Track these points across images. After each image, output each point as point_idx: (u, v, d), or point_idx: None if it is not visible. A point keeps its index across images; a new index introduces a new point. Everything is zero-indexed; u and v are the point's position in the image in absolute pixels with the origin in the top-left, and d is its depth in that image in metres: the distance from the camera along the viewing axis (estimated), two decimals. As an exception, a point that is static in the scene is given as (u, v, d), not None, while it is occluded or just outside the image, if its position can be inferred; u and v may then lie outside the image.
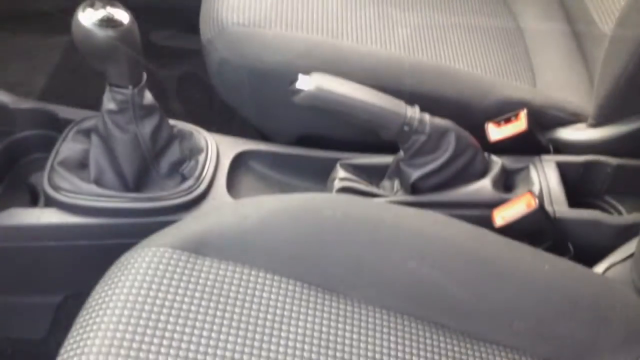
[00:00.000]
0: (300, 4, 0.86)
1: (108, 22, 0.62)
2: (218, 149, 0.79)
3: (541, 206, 0.70)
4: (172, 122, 0.78)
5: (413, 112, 0.71)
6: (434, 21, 0.94)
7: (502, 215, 0.71)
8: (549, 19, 1.01)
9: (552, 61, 0.94)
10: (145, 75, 0.69)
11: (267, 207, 0.62)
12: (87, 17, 0.61)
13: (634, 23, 0.71)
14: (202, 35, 0.86)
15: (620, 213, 0.79)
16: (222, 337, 0.50)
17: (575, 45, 0.95)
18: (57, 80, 1.23)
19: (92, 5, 0.62)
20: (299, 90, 0.69)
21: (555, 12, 1.01)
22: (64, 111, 0.82)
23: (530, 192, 0.72)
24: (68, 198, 0.70)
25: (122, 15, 0.63)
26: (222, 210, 0.66)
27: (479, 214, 0.73)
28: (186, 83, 1.30)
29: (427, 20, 0.93)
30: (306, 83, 0.69)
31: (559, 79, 0.91)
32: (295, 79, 0.70)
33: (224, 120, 1.04)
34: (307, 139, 0.86)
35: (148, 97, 0.70)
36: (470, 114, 0.81)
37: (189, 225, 0.60)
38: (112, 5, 0.63)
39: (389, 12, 0.91)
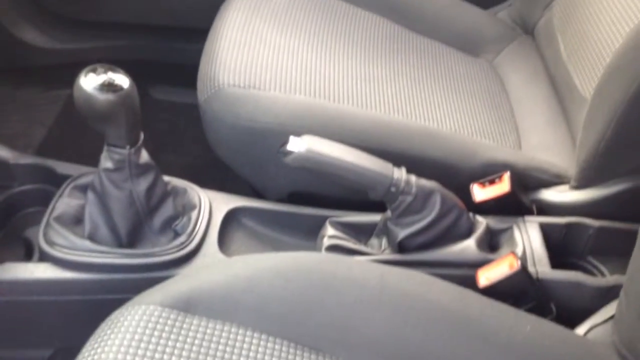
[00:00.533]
0: (292, 67, 0.89)
1: (109, 87, 0.65)
2: (211, 206, 0.81)
3: (523, 267, 0.72)
4: (166, 178, 0.81)
5: (400, 174, 0.74)
6: (422, 82, 0.97)
7: (486, 276, 0.72)
8: (533, 83, 1.05)
9: (536, 123, 0.97)
10: (142, 135, 0.72)
11: (256, 266, 0.63)
12: (89, 82, 0.64)
13: (610, 92, 0.74)
14: (199, 94, 0.89)
15: (602, 274, 0.81)
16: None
17: (559, 109, 0.98)
18: (56, 133, 1.26)
19: (94, 71, 0.65)
20: (290, 152, 0.72)
21: (539, 76, 1.05)
22: (61, 167, 0.84)
23: (513, 253, 0.74)
24: (62, 254, 0.72)
25: (123, 80, 0.66)
26: (212, 268, 0.67)
27: (463, 273, 0.74)
28: (182, 137, 1.33)
29: (414, 81, 0.97)
30: (297, 145, 0.72)
31: (543, 141, 0.94)
32: (286, 141, 0.73)
33: (218, 175, 1.06)
34: (298, 196, 0.88)
35: (144, 156, 0.73)
36: (455, 175, 0.83)
37: (179, 283, 0.62)
38: (114, 70, 0.66)
39: (377, 73, 0.95)
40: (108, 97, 0.65)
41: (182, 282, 0.62)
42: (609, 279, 0.79)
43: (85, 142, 0.92)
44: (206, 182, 0.86)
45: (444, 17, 1.13)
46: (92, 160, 0.77)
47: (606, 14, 0.88)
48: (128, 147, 0.70)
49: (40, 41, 1.30)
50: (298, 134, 0.75)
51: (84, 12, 1.33)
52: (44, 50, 1.31)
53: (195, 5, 1.33)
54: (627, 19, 0.84)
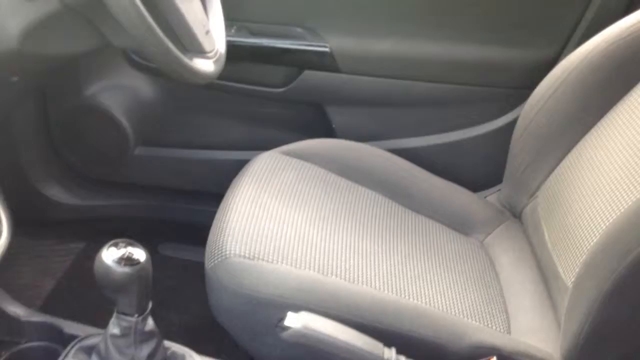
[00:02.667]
0: (295, 241, 0.96)
1: (127, 261, 0.71)
2: None
3: None
4: (167, 343, 0.84)
5: (390, 354, 0.78)
6: (415, 259, 1.04)
7: None
8: (522, 265, 1.11)
9: (525, 306, 1.02)
10: (150, 304, 0.77)
11: None
12: (109, 255, 0.71)
13: (587, 288, 0.80)
14: (206, 260, 0.95)
15: None
16: None
17: (546, 293, 1.03)
18: (64, 285, 1.31)
19: (116, 245, 0.72)
20: (288, 327, 0.76)
21: (528, 259, 1.12)
22: (69, 326, 0.88)
23: None
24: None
25: (140, 254, 0.73)
26: None
27: None
28: (184, 294, 1.37)
29: (408, 257, 1.03)
30: (294, 321, 0.77)
31: (530, 325, 0.98)
32: (284, 316, 0.78)
33: (216, 337, 1.09)
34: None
35: (150, 323, 0.77)
36: (444, 355, 0.87)
37: None
38: (133, 245, 0.73)
39: (373, 248, 1.01)
40: (125, 269, 0.71)
41: None
42: None
43: (92, 297, 0.96)
44: (204, 344, 0.89)
45: (437, 198, 1.22)
46: (96, 314, 0.82)
47: (586, 209, 0.96)
48: (136, 315, 0.74)
49: (62, 197, 1.40)
50: (297, 307, 0.79)
51: (110, 174, 1.44)
52: (64, 206, 1.40)
53: (208, 172, 1.44)
54: (606, 214, 0.91)
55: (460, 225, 1.20)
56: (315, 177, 1.15)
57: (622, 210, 0.85)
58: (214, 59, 0.98)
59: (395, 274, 0.98)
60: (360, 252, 0.99)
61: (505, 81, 1.33)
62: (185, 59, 0.87)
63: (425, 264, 1.03)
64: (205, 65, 0.94)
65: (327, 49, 1.33)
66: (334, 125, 1.41)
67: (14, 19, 0.79)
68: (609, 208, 0.91)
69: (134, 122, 1.37)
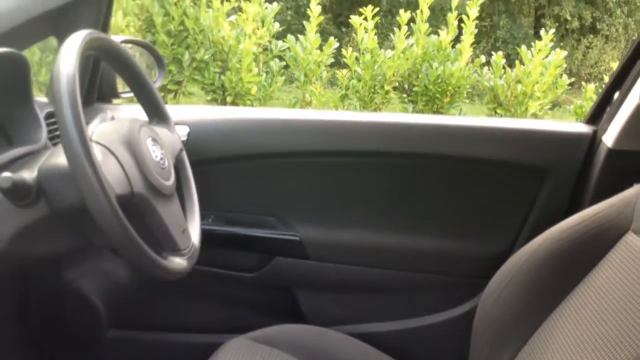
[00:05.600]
0: None
1: None
2: None
3: None
4: None
5: None
6: None
7: None
8: None
9: None
10: None
11: None
12: None
13: None
14: None
15: None
16: None
17: None
18: None
19: None
20: None
21: None
22: None
23: None
24: None
25: None
26: None
27: None
28: None
29: None
30: None
31: None
32: None
33: None
34: None
35: None
36: None
37: None
38: None
39: None
40: None
41: None
42: None
43: None
44: None
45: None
46: None
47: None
48: None
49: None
50: None
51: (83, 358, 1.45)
52: None
53: (181, 356, 1.46)
54: None
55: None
56: (282, 365, 1.18)
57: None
58: (188, 256, 1.05)
59: None
60: None
61: (464, 271, 1.41)
62: (160, 259, 0.94)
63: None
64: (179, 263, 1.01)
65: (297, 238, 1.42)
66: (303, 309, 1.47)
67: (4, 224, 0.86)
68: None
69: (109, 306, 1.41)
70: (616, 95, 1.37)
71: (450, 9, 3.66)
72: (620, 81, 1.37)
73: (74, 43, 0.86)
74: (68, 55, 0.84)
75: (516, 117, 3.75)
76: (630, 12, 9.60)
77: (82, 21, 1.14)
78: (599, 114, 1.40)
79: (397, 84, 3.82)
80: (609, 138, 1.30)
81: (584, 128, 1.39)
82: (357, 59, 3.73)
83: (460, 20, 3.69)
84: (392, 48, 3.72)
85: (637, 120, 1.26)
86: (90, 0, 1.13)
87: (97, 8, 1.15)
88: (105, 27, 1.25)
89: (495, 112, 3.84)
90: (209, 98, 3.61)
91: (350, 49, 3.78)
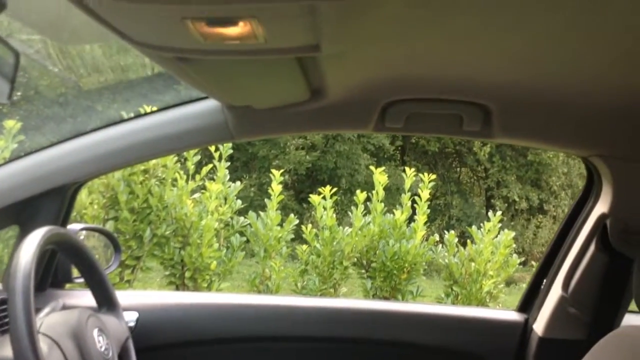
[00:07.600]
0: None
1: None
2: None
3: None
4: None
5: None
6: None
7: None
8: None
9: None
10: None
11: None
12: None
13: None
14: None
15: None
16: None
17: None
18: None
19: None
20: None
21: None
22: None
23: None
24: None
25: None
26: None
27: None
28: None
29: None
30: None
31: None
32: None
33: None
34: None
35: None
36: None
37: None
38: None
39: None
40: None
41: None
42: None
43: None
44: None
45: None
46: None
47: None
48: None
49: None
50: None
51: None
52: None
53: None
54: None
55: None
56: None
57: None
58: None
59: None
60: None
61: None
62: None
63: None
64: None
65: None
66: None
67: None
68: None
69: None
70: (544, 283, 1.47)
71: (404, 190, 3.89)
72: (546, 269, 1.48)
73: (35, 239, 0.93)
74: (27, 251, 0.90)
75: (472, 294, 3.83)
76: (574, 195, 10.19)
77: (43, 213, 1.22)
78: (529, 301, 1.49)
79: (355, 259, 3.93)
80: (539, 326, 1.37)
81: (515, 316, 1.46)
82: (316, 235, 3.86)
83: (414, 201, 3.90)
84: (350, 225, 3.88)
85: (563, 309, 1.35)
86: (53, 196, 1.21)
87: (59, 203, 1.24)
88: (65, 219, 1.33)
89: (452, 290, 3.93)
90: (167, 273, 3.63)
91: (310, 225, 3.92)
